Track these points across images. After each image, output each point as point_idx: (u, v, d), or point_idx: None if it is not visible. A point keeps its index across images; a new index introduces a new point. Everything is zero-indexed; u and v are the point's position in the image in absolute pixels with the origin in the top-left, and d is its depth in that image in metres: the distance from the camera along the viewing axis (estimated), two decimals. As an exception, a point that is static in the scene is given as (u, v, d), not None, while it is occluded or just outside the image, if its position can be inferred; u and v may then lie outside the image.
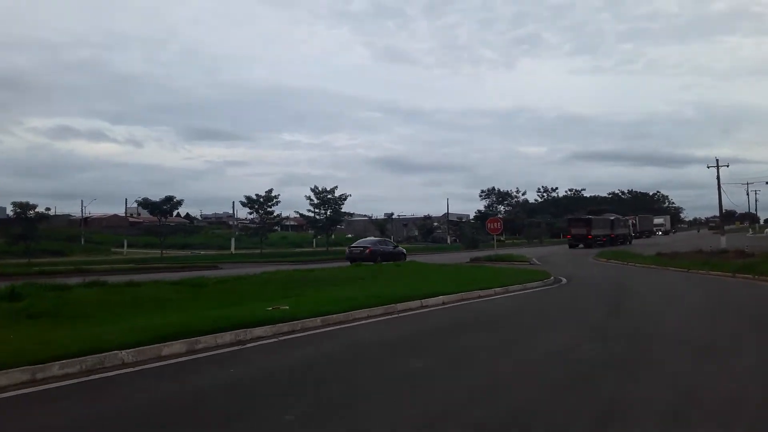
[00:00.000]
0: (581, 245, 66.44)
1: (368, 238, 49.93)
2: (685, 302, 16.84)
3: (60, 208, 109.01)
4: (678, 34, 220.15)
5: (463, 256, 43.51)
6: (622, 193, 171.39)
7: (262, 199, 66.40)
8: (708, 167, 58.42)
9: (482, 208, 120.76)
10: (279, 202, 67.24)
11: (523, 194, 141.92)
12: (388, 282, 21.20)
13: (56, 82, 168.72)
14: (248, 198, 65.77)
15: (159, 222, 59.09)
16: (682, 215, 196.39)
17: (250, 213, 68.90)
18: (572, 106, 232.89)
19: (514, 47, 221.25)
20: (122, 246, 72.71)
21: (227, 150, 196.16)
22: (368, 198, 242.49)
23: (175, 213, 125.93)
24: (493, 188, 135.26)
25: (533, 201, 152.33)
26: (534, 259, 41.59)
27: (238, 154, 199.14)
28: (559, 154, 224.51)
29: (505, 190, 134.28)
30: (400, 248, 43.83)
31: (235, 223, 79.31)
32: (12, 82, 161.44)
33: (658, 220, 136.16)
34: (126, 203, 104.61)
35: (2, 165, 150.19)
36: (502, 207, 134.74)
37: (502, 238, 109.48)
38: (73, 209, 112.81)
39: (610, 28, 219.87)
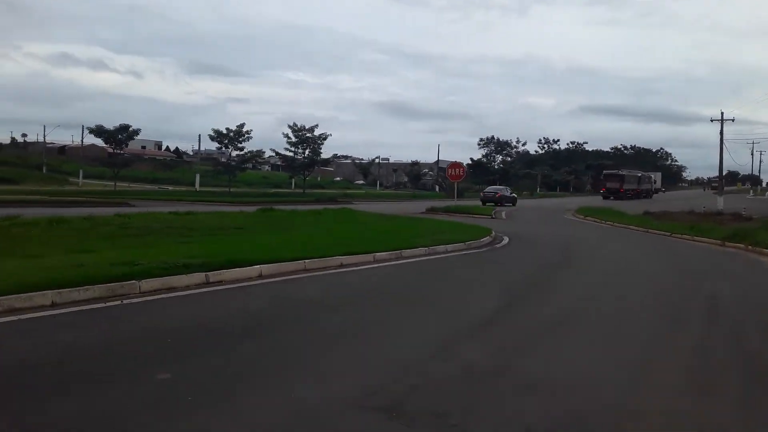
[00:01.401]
0: (612, 197, 71.66)
1: (497, 186, 61.95)
2: (634, 291, 11.47)
3: (57, 136, 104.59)
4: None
5: (425, 205, 38.08)
6: (625, 148, 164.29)
7: (232, 134, 60.67)
8: (711, 121, 53.05)
9: (480, 156, 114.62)
10: (251, 137, 61.44)
11: (524, 145, 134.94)
12: (284, 234, 16.17)
13: (58, 8, 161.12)
14: (217, 132, 60.01)
15: (113, 151, 53.66)
16: (684, 174, 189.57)
17: (219, 148, 63.38)
18: (584, 58, 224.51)
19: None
20: (88, 176, 67.94)
21: (230, 86, 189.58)
22: (371, 143, 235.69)
23: (164, 146, 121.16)
24: (492, 137, 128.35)
25: (534, 152, 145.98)
26: (502, 213, 36.24)
27: (240, 90, 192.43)
28: (566, 106, 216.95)
29: (505, 139, 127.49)
30: (515, 195, 56.64)
31: (198, 158, 73.50)
32: (12, 6, 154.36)
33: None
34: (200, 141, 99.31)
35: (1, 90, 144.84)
36: (500, 156, 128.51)
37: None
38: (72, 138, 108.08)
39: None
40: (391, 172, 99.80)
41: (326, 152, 69.78)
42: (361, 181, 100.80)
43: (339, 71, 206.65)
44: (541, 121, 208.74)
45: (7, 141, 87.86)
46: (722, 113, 51.72)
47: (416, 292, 9.79)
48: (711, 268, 15.19)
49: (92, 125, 52.90)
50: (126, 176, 73.91)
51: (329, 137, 66.64)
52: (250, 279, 9.60)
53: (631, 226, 29.63)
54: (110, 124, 51.88)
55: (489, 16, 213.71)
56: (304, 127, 66.48)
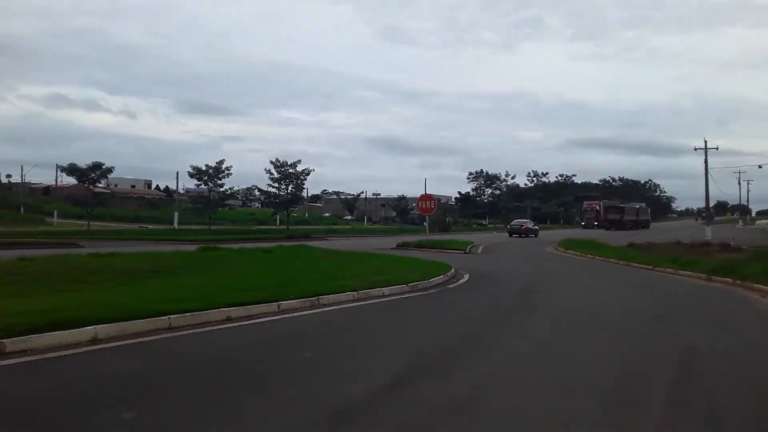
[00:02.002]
0: (613, 228, 76.23)
1: (522, 219, 67.17)
2: (585, 351, 8.98)
3: (46, 177, 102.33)
4: (681, 23, 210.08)
5: (400, 240, 35.59)
6: (613, 180, 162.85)
7: (211, 171, 58.47)
8: (695, 150, 51.49)
9: (469, 190, 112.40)
10: (230, 174, 59.18)
11: (512, 178, 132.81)
12: (203, 277, 13.81)
13: (53, 50, 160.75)
14: (196, 168, 57.76)
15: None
16: (673, 205, 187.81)
17: (198, 185, 61.11)
18: (571, 93, 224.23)
19: (515, 30, 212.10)
20: (69, 216, 65.46)
21: (224, 125, 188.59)
22: (364, 178, 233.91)
23: (154, 185, 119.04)
24: (482, 171, 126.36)
25: (523, 185, 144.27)
26: (480, 247, 33.84)
27: (234, 129, 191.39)
28: (555, 140, 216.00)
29: (494, 173, 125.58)
30: (537, 227, 62.86)
31: (186, 197, 71.24)
32: (8, 48, 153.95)
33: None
34: (177, 180, 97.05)
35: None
36: (490, 190, 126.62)
37: (484, 223, 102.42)
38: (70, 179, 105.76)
39: (613, 15, 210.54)
40: (379, 207, 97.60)
41: (316, 188, 68.29)
42: (349, 217, 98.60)
43: (332, 108, 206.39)
44: (531, 154, 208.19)
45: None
46: (705, 142, 50.36)
47: (275, 367, 6.90)
48: (691, 310, 12.75)
49: (66, 164, 50.54)
50: (108, 215, 71.81)
51: (314, 172, 64.51)
52: (75, 345, 7.15)
53: (611, 260, 27.32)
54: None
55: (478, 52, 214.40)
56: (287, 162, 64.23)
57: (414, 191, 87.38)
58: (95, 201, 52.06)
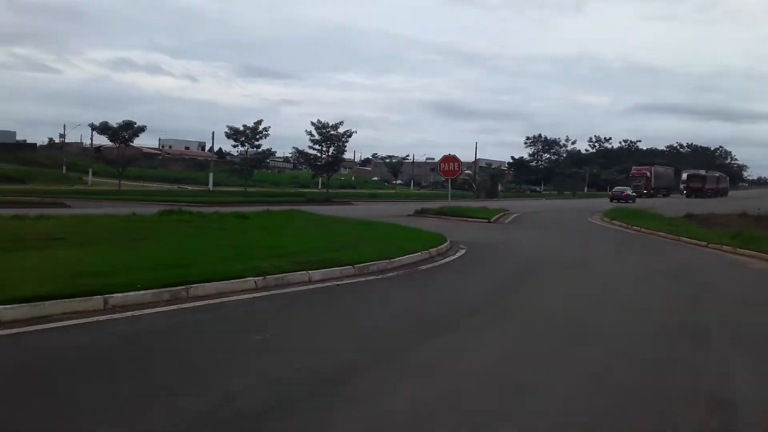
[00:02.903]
0: (693, 196, 75.84)
1: (622, 186, 67.36)
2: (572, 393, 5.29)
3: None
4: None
5: (425, 206, 31.78)
6: (681, 146, 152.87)
7: (249, 131, 55.89)
8: None
9: (525, 155, 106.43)
10: (268, 135, 56.54)
11: (573, 143, 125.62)
12: (102, 251, 10.73)
13: (119, 15, 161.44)
14: (232, 129, 55.27)
15: (99, 148, 49.54)
16: (745, 173, 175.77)
17: (234, 146, 58.75)
18: (640, 55, 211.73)
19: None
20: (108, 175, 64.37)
21: (283, 88, 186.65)
22: (422, 142, 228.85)
23: (207, 147, 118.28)
24: (539, 135, 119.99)
25: (584, 151, 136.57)
26: (511, 216, 29.81)
27: (293, 93, 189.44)
28: (621, 105, 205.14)
29: (553, 138, 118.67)
30: (635, 194, 63.08)
31: (210, 157, 68.93)
32: (74, 14, 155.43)
33: (686, 176, 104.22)
34: (213, 140, 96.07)
35: (62, 94, 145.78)
36: (548, 155, 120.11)
37: (539, 189, 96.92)
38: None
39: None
40: (429, 172, 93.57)
41: (369, 152, 64.81)
42: (398, 181, 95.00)
43: (390, 72, 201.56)
44: (595, 120, 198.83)
45: (45, 142, 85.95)
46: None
47: None
48: (744, 312, 8.79)
49: (95, 123, 48.62)
50: (150, 175, 70.59)
51: (369, 136, 62.13)
52: None
53: (659, 233, 22.93)
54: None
55: (543, 13, 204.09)
56: (328, 124, 61.15)
57: (470, 156, 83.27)
58: (125, 160, 49.98)
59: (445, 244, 14.83)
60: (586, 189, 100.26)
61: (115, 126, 47.84)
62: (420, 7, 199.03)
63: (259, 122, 56.04)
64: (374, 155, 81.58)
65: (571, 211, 39.92)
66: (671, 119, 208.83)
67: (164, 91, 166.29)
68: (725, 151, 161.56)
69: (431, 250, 13.38)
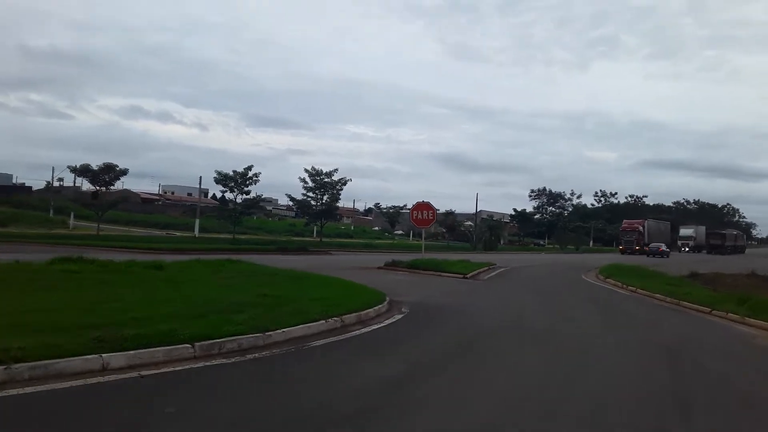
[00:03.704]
0: (714, 252, 79.60)
1: (658, 243, 66.89)
2: None
3: (129, 185, 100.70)
4: (765, 42, 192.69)
5: (404, 258, 28.51)
6: (688, 203, 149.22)
7: (238, 177, 53.31)
8: None
9: (531, 208, 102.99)
10: (258, 180, 53.83)
11: (578, 197, 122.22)
12: None
13: (132, 64, 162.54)
14: (221, 174, 52.69)
15: (97, 192, 47.00)
16: (754, 232, 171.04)
17: (223, 191, 56.05)
18: (646, 112, 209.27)
19: (589, 49, 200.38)
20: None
21: (292, 138, 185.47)
22: (429, 194, 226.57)
23: (210, 194, 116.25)
24: (544, 188, 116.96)
25: (590, 205, 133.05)
26: (496, 271, 26.51)
27: (302, 143, 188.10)
28: (629, 161, 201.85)
29: (558, 191, 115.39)
30: (668, 249, 65.82)
31: (203, 203, 66.28)
32: (89, 61, 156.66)
33: (685, 232, 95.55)
34: (200, 185, 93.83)
35: (74, 140, 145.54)
36: (552, 209, 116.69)
37: (542, 243, 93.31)
38: (142, 186, 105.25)
39: (692, 33, 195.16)
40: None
41: (374, 202, 62.06)
42: (399, 231, 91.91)
43: (399, 124, 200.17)
44: (602, 175, 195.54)
45: (42, 186, 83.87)
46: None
47: None
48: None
49: (74, 165, 46.10)
50: (141, 221, 68.00)
51: (377, 186, 59.38)
52: None
53: (657, 295, 19.64)
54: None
55: (550, 71, 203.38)
56: (322, 171, 58.75)
57: (472, 208, 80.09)
58: (106, 204, 47.34)
59: (380, 306, 11.70)
60: (591, 243, 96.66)
61: (95, 168, 45.33)
62: (429, 63, 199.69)
63: (249, 168, 53.51)
64: (376, 205, 78.58)
65: (567, 266, 36.58)
66: (677, 176, 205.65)
67: (175, 139, 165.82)
68: (733, 208, 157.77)
69: (350, 315, 10.21)
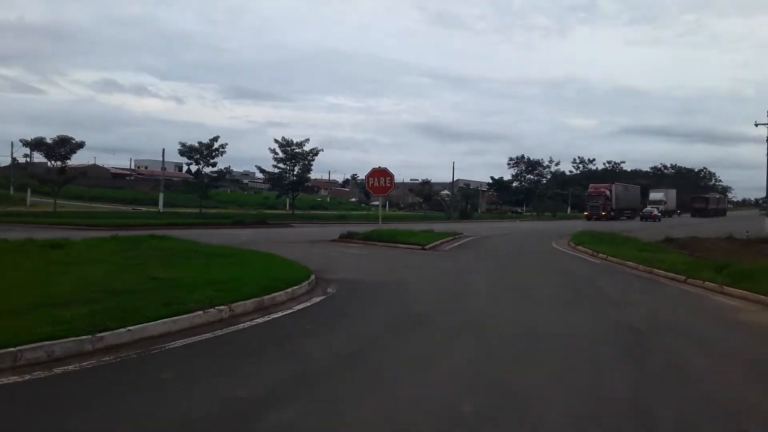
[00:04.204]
0: (698, 215, 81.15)
1: (651, 207, 70.82)
2: None
3: (104, 160, 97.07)
4: (743, 6, 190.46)
5: (361, 229, 26.39)
6: (665, 167, 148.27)
7: (203, 149, 50.64)
8: (756, 125, 41.01)
9: (509, 176, 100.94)
10: (224, 152, 51.20)
11: (557, 164, 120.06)
12: None
13: (106, 36, 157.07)
14: (185, 145, 50.00)
15: (63, 168, 44.25)
16: (729, 195, 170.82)
17: (188, 164, 53.47)
18: (626, 79, 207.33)
19: (569, 14, 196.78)
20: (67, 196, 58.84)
21: (271, 110, 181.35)
22: (410, 164, 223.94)
23: (185, 168, 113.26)
24: (522, 156, 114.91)
25: (568, 172, 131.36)
26: (460, 241, 24.57)
27: (280, 115, 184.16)
28: (607, 127, 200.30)
29: (536, 159, 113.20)
30: (660, 214, 67.16)
31: (162, 177, 63.62)
32: (61, 34, 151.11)
33: (655, 196, 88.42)
34: (163, 157, 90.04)
35: (48, 116, 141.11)
36: (531, 177, 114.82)
37: (520, 210, 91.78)
38: (118, 161, 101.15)
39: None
40: (407, 193, 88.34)
41: (349, 173, 59.76)
42: (376, 202, 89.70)
43: (379, 95, 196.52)
44: (581, 141, 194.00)
45: (7, 162, 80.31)
46: (770, 118, 39.75)
47: None
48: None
49: (28, 138, 43.27)
50: (107, 196, 65.28)
51: (357, 158, 57.53)
52: None
53: (629, 263, 17.81)
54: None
55: (530, 37, 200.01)
56: (292, 141, 56.03)
57: (448, 177, 77.85)
58: (61, 180, 44.65)
59: (297, 287, 9.69)
60: (569, 210, 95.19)
61: (49, 142, 42.59)
62: (408, 31, 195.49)
63: (215, 138, 50.89)
64: (353, 176, 76.23)
65: (540, 234, 34.77)
66: (656, 141, 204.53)
67: (151, 113, 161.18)
68: (709, 172, 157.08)
69: (244, 303, 8.17)
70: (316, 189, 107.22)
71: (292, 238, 22.40)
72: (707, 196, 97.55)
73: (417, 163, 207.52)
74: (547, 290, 11.92)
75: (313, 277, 10.86)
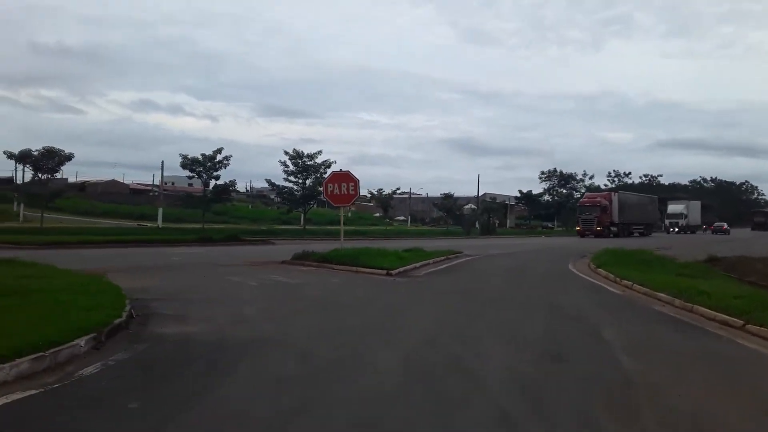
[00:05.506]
0: (758, 229, 78.93)
1: (722, 222, 73.21)
2: None
3: (137, 178, 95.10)
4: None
5: (327, 247, 21.42)
6: (704, 180, 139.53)
7: (207, 161, 46.92)
8: None
9: (541, 189, 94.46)
10: (228, 164, 47.42)
11: (591, 178, 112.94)
12: None
13: (143, 58, 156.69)
14: (187, 158, 46.40)
15: (37, 180, 40.84)
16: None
17: (190, 177, 49.72)
18: (662, 92, 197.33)
19: (603, 28, 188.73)
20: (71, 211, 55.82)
21: (304, 127, 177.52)
22: (442, 179, 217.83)
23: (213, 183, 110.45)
24: (555, 170, 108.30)
25: (603, 186, 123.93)
26: (454, 261, 19.59)
27: (314, 132, 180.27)
28: (643, 141, 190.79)
29: (569, 172, 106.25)
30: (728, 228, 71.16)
31: (157, 191, 59.80)
32: (99, 57, 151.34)
33: (674, 208, 75.40)
34: (162, 169, 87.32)
35: (86, 135, 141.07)
36: (564, 191, 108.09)
37: (551, 225, 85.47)
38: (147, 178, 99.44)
39: (707, 10, 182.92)
40: (432, 207, 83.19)
41: (386, 189, 55.71)
42: (401, 217, 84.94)
43: (411, 111, 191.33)
44: (617, 155, 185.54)
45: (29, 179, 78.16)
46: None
47: None
48: None
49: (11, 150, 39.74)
50: (116, 212, 62.11)
51: (389, 174, 52.52)
52: None
53: (660, 294, 12.67)
54: (62, 149, 39.49)
55: (563, 52, 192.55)
56: (303, 153, 52.02)
57: (482, 190, 72.40)
58: (48, 194, 41.18)
59: (68, 346, 4.95)
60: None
61: (35, 154, 39.14)
62: (442, 47, 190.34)
63: (219, 150, 47.15)
64: (379, 191, 71.79)
65: (560, 251, 29.45)
66: (694, 155, 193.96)
67: (188, 132, 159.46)
68: (752, 185, 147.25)
69: None
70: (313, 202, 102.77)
71: (239, 258, 17.87)
72: (766, 210, 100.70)
73: (448, 178, 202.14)
74: (508, 359, 6.87)
75: (107, 329, 6.15)
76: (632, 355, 7.14)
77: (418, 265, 17.41)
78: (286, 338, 7.33)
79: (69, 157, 40.61)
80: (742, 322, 9.49)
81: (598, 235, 50.89)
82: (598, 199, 55.97)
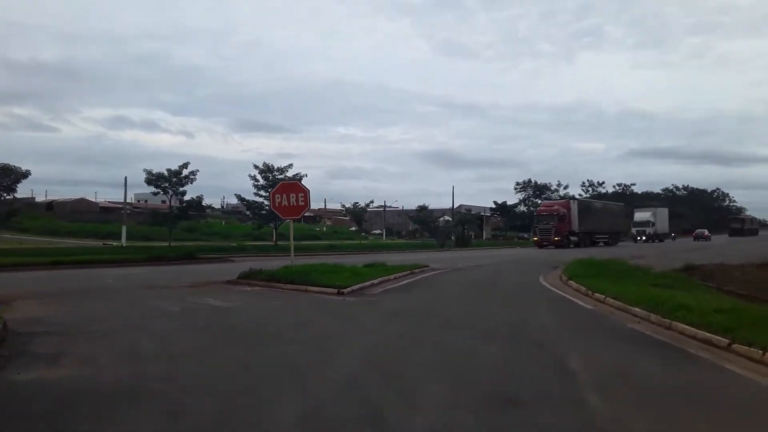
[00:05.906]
0: (734, 235, 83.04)
1: (703, 229, 77.48)
2: None
3: (111, 196, 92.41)
4: (751, 28, 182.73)
5: (273, 265, 19.84)
6: (677, 189, 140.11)
7: (172, 177, 45.08)
8: None
9: (516, 201, 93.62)
10: (194, 179, 45.56)
11: (565, 188, 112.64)
12: None
13: (118, 73, 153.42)
14: (150, 173, 44.56)
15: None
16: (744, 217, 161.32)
17: (155, 193, 47.78)
18: (634, 102, 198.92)
19: (575, 41, 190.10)
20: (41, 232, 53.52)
21: (281, 142, 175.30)
22: (419, 192, 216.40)
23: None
24: (530, 180, 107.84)
25: (578, 195, 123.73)
26: (416, 275, 18.12)
27: (291, 146, 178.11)
28: (617, 151, 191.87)
29: (543, 182, 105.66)
30: (710, 234, 76.64)
31: (126, 209, 57.73)
32: (73, 73, 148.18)
33: (641, 216, 69.61)
34: (126, 186, 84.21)
35: (60, 153, 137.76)
36: (539, 201, 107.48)
37: (526, 236, 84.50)
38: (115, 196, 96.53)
39: (677, 21, 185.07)
40: (407, 220, 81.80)
41: (361, 202, 53.77)
42: (377, 231, 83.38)
43: (388, 124, 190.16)
44: (591, 165, 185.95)
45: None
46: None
47: None
48: None
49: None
50: (82, 231, 59.73)
51: (366, 187, 52.00)
52: None
53: (635, 309, 11.34)
54: (19, 166, 37.49)
55: (537, 64, 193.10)
56: (273, 167, 50.49)
57: (458, 201, 71.02)
58: (6, 214, 39.07)
59: None
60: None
61: (-11, 172, 37.17)
62: (418, 60, 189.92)
63: (185, 165, 45.34)
64: (354, 204, 70.24)
65: (532, 262, 28.17)
66: (666, 164, 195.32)
67: (164, 148, 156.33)
68: (723, 193, 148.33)
69: None
70: (317, 218, 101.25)
71: (184, 279, 16.18)
72: (742, 216, 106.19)
73: (425, 191, 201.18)
74: (447, 407, 5.38)
75: None
76: (603, 393, 5.73)
77: (376, 281, 15.90)
78: (168, 385, 5.75)
79: (25, 175, 38.67)
80: (727, 341, 8.22)
81: (557, 245, 48.04)
82: (556, 207, 52.60)
